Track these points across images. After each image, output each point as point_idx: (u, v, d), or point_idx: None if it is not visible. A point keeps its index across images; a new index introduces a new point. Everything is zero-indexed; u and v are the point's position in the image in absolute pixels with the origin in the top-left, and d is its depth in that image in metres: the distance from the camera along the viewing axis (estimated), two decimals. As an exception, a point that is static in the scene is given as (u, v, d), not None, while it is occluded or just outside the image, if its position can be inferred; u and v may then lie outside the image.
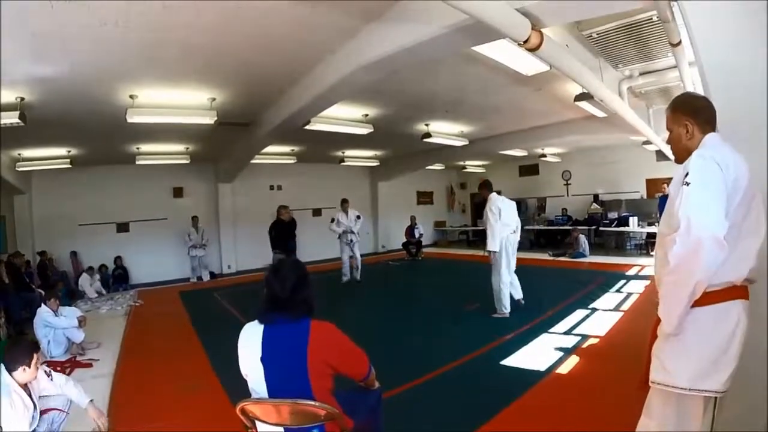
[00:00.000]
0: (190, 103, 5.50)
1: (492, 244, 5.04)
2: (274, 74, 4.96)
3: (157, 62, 4.31)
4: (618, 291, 6.20)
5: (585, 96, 5.76)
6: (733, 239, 1.37)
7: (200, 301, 7.54)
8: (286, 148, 9.68)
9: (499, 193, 5.45)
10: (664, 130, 1.90)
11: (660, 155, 9.96)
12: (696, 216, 1.34)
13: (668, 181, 2.36)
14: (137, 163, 8.53)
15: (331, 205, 11.16)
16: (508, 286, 5.15)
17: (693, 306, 1.42)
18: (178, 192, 10.38)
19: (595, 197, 11.98)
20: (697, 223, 1.33)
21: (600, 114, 6.81)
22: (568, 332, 4.43)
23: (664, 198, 3.75)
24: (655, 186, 10.66)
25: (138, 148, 8.12)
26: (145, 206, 9.90)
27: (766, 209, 1.50)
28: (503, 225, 5.08)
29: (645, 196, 11.31)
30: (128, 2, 3.07)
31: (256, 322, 1.64)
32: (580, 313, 5.07)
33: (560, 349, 3.94)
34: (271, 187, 11.62)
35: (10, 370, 2.08)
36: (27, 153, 7.38)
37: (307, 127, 6.45)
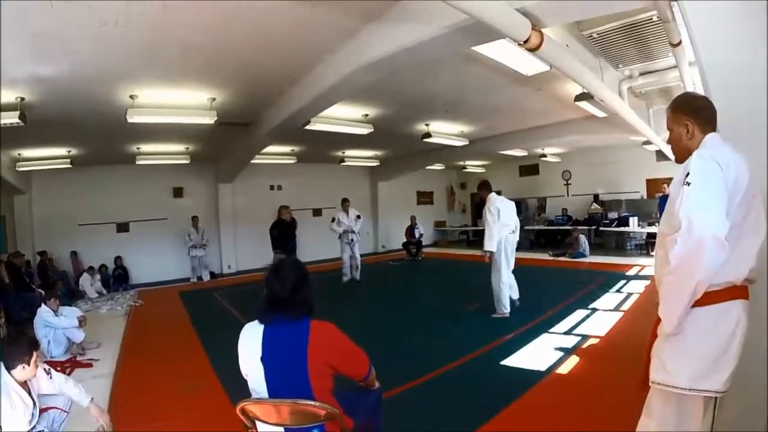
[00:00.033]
0: (190, 103, 5.50)
1: (488, 244, 5.05)
2: (274, 74, 4.97)
3: (157, 62, 4.31)
4: (618, 291, 6.20)
5: (585, 96, 5.76)
6: (734, 239, 1.37)
7: (200, 301, 7.54)
8: (286, 148, 9.68)
9: (498, 193, 5.45)
10: (664, 130, 1.90)
11: (660, 155, 9.96)
12: (697, 216, 1.34)
13: (668, 181, 2.36)
14: (137, 163, 8.53)
15: (331, 205, 11.17)
16: (508, 286, 5.15)
17: (693, 306, 1.42)
18: (178, 192, 10.38)
19: (595, 197, 11.98)
20: (699, 223, 1.33)
21: (600, 114, 6.81)
22: (568, 332, 4.43)
23: (665, 198, 3.75)
24: (655, 186, 10.66)
25: (138, 148, 8.12)
26: (145, 206, 9.91)
27: (766, 209, 1.50)
28: (502, 225, 5.08)
29: (645, 196, 11.31)
30: (128, 2, 3.07)
31: (256, 322, 1.64)
32: (580, 313, 5.07)
33: (560, 349, 3.94)
34: (271, 187, 11.63)
35: (9, 368, 2.06)
36: (27, 153, 7.39)
37: (307, 127, 6.45)
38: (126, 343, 5.01)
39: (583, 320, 4.81)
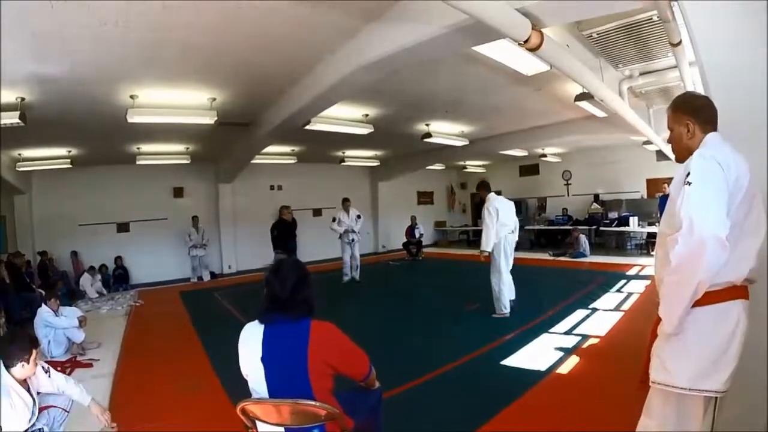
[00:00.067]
0: (190, 103, 5.50)
1: (485, 245, 5.07)
2: (274, 74, 4.97)
3: (157, 62, 4.31)
4: (618, 291, 6.20)
5: (585, 96, 5.76)
6: (734, 239, 1.37)
7: (201, 301, 7.54)
8: (286, 148, 9.68)
9: (498, 193, 5.45)
10: (664, 129, 1.90)
11: (660, 155, 9.96)
12: (698, 216, 1.34)
13: (668, 180, 2.36)
14: (137, 163, 8.53)
15: (331, 205, 11.19)
16: (508, 286, 5.15)
17: (693, 306, 1.42)
18: (178, 192, 10.38)
19: (596, 197, 11.98)
20: (699, 222, 1.33)
21: (600, 114, 6.81)
22: (568, 332, 4.43)
23: (665, 198, 3.75)
24: (655, 186, 10.66)
25: (138, 148, 8.12)
26: (146, 206, 9.91)
27: (766, 209, 1.50)
28: (501, 225, 5.08)
29: (645, 196, 11.31)
30: (128, 2, 3.07)
31: (256, 322, 1.64)
32: (580, 313, 5.07)
33: (560, 349, 3.94)
34: (272, 187, 11.63)
35: (8, 366, 2.04)
36: (27, 153, 7.39)
37: (308, 127, 6.45)
38: (126, 343, 5.01)
39: (583, 320, 4.81)
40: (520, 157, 12.64)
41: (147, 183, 9.82)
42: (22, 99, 4.69)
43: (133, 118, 5.10)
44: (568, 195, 13.18)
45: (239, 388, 1.73)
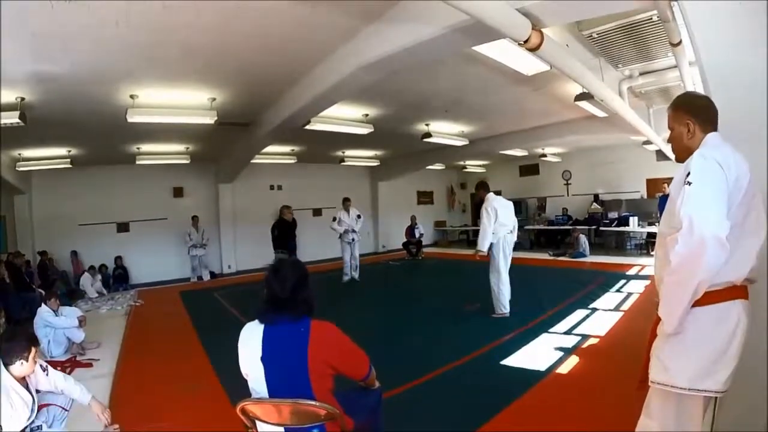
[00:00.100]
0: (190, 103, 5.50)
1: (480, 244, 5.09)
2: (274, 74, 4.96)
3: (157, 62, 4.31)
4: (618, 291, 6.20)
5: (585, 96, 5.76)
6: (735, 239, 1.37)
7: (200, 301, 7.54)
8: (286, 148, 9.68)
9: (498, 193, 5.45)
10: (664, 129, 1.91)
11: (660, 155, 9.96)
12: (698, 216, 1.34)
13: (668, 180, 2.36)
14: (137, 163, 8.53)
15: (331, 205, 11.19)
16: (507, 286, 5.14)
17: (693, 306, 1.42)
18: (178, 192, 10.38)
19: (596, 197, 11.98)
20: (699, 223, 1.33)
21: (600, 114, 6.81)
22: (568, 332, 4.43)
23: (665, 198, 3.75)
24: (655, 186, 10.66)
25: (138, 148, 8.13)
26: (145, 206, 9.91)
27: (766, 209, 1.50)
28: (500, 225, 5.08)
29: (645, 196, 11.31)
30: (128, 2, 3.07)
31: (256, 321, 1.64)
32: (580, 313, 5.07)
33: (560, 348, 3.94)
34: (271, 187, 11.63)
35: (6, 364, 2.04)
36: (27, 153, 7.39)
37: (307, 127, 6.45)
38: (126, 343, 5.01)
39: (583, 320, 4.81)
40: (520, 157, 12.64)
41: (147, 183, 9.81)
42: (22, 99, 4.69)
43: (133, 118, 5.10)
44: (567, 195, 13.18)
45: (239, 388, 1.73)
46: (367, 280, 8.59)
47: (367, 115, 6.95)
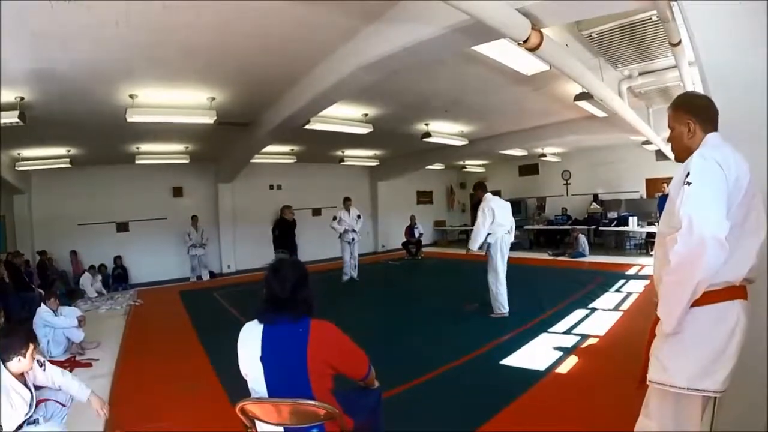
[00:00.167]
0: (190, 102, 5.50)
1: (472, 243, 5.14)
2: (274, 74, 4.96)
3: (157, 62, 4.30)
4: (617, 291, 6.21)
5: (585, 96, 5.76)
6: (734, 239, 1.37)
7: (200, 301, 7.54)
8: (286, 148, 9.68)
9: (497, 193, 5.46)
10: (663, 129, 1.91)
11: (660, 155, 9.96)
12: (697, 216, 1.34)
13: (668, 180, 2.36)
14: (137, 162, 8.52)
15: (331, 205, 11.19)
16: (505, 285, 5.15)
17: (692, 306, 1.42)
18: (177, 192, 10.37)
19: (595, 197, 11.98)
20: (699, 223, 1.33)
21: (600, 114, 6.81)
22: (567, 332, 4.44)
23: (664, 198, 3.75)
24: (654, 186, 10.66)
25: (138, 148, 8.12)
26: (145, 206, 9.90)
27: (766, 209, 1.50)
28: (498, 225, 5.10)
29: (645, 196, 11.31)
30: (128, 2, 3.06)
31: (255, 321, 1.64)
32: (579, 313, 5.07)
33: (560, 348, 3.94)
34: (271, 187, 11.62)
35: (4, 361, 2.03)
36: (27, 153, 7.38)
37: (307, 126, 6.44)
38: (125, 342, 5.01)
39: (582, 320, 4.82)
40: (520, 156, 12.62)
41: (146, 182, 9.80)
42: (22, 98, 4.68)
43: (133, 118, 5.10)
44: (567, 195, 13.18)
45: (239, 388, 1.73)
46: (367, 279, 8.59)
47: (366, 114, 6.94)
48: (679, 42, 3.63)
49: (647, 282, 6.41)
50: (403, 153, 11.78)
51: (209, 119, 5.46)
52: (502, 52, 4.13)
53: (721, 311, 1.45)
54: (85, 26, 3.32)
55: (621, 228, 10.23)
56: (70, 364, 4.13)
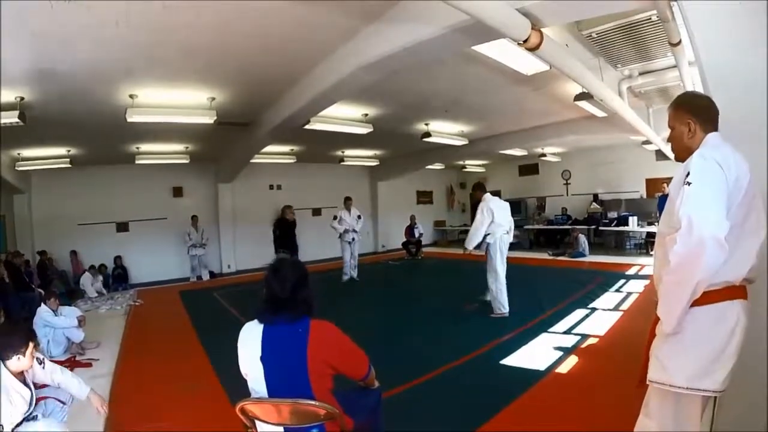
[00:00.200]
0: (190, 102, 5.50)
1: (468, 242, 5.14)
2: (274, 74, 4.96)
3: (157, 62, 4.30)
4: (617, 290, 6.21)
5: (585, 95, 5.76)
6: (734, 239, 1.37)
7: (200, 301, 7.54)
8: (286, 148, 9.68)
9: (497, 193, 5.46)
10: (663, 129, 1.91)
11: (660, 155, 9.96)
12: (697, 216, 1.34)
13: (668, 180, 2.36)
14: (137, 162, 8.52)
15: (331, 205, 11.19)
16: (505, 285, 5.15)
17: (692, 305, 1.42)
18: (177, 192, 10.37)
19: (595, 197, 11.99)
20: (699, 223, 1.33)
21: (600, 114, 6.81)
22: (567, 332, 4.44)
23: (664, 197, 3.76)
24: (654, 186, 10.66)
25: (138, 148, 8.12)
26: (145, 206, 9.90)
27: (766, 209, 1.50)
28: (497, 225, 5.10)
29: (645, 196, 11.31)
30: (128, 2, 3.07)
31: (255, 321, 1.64)
32: (579, 313, 5.07)
33: (560, 348, 3.95)
34: (271, 187, 11.62)
35: (3, 359, 2.02)
36: (27, 153, 7.38)
37: (307, 126, 6.44)
38: (125, 342, 5.00)
39: (582, 320, 4.82)
40: (520, 156, 12.62)
41: (146, 182, 9.80)
42: (22, 98, 4.68)
43: (133, 118, 5.10)
44: (567, 195, 13.18)
45: (238, 388, 1.73)
46: (367, 279, 8.60)
47: (366, 114, 6.94)
48: (679, 42, 3.63)
49: (647, 282, 6.40)
50: (403, 153, 11.77)
51: (209, 119, 5.46)
52: (502, 52, 4.13)
53: (720, 311, 1.45)
54: (85, 26, 3.32)
55: (621, 228, 10.23)
56: (70, 364, 4.12)
